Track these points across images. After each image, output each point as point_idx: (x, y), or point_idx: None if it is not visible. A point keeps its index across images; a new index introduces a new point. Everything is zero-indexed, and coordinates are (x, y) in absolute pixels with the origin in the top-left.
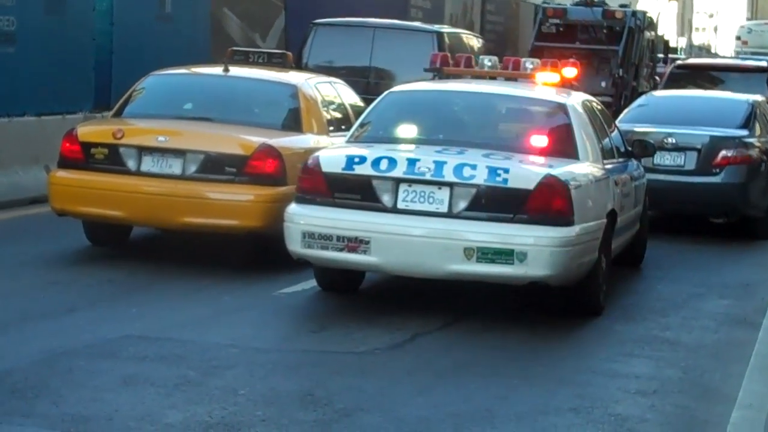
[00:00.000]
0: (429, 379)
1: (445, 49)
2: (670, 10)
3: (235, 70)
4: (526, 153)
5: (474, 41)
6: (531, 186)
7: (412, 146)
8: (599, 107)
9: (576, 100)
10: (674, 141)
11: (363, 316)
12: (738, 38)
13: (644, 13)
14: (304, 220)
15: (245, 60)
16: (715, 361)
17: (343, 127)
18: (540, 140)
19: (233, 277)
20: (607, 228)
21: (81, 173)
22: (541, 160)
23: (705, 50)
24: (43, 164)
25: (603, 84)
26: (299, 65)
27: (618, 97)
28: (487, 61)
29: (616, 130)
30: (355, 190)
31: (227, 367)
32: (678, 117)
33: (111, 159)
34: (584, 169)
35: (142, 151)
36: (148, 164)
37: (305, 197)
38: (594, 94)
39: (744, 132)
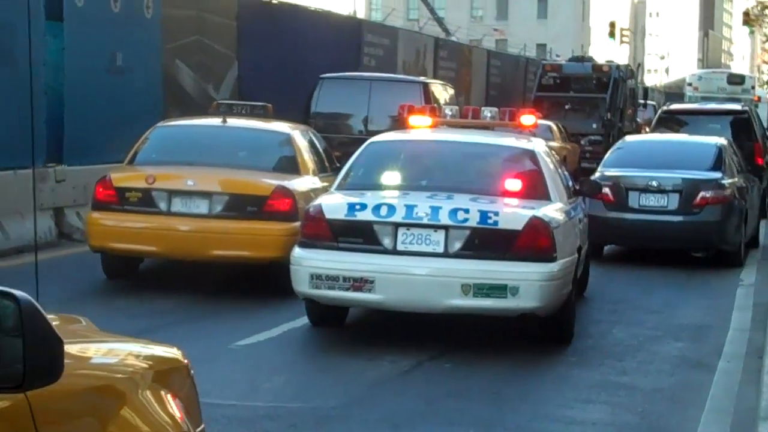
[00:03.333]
0: None
1: (429, 97)
2: (621, 53)
3: (232, 121)
4: (506, 196)
5: (447, 91)
6: (519, 227)
7: (400, 192)
8: (553, 151)
9: (540, 146)
10: (657, 184)
11: (318, 369)
12: (689, 84)
13: (627, 65)
14: (311, 263)
15: (229, 111)
16: (672, 405)
17: (323, 168)
18: (516, 184)
19: (188, 328)
20: (577, 262)
21: (116, 214)
22: (523, 202)
23: (657, 92)
24: None
25: (594, 125)
26: (307, 113)
27: (607, 136)
28: (449, 110)
29: (566, 171)
30: (357, 234)
31: None
32: (654, 160)
33: (144, 201)
34: (558, 209)
35: (172, 194)
36: (178, 205)
37: (309, 242)
38: (587, 134)
39: (718, 174)
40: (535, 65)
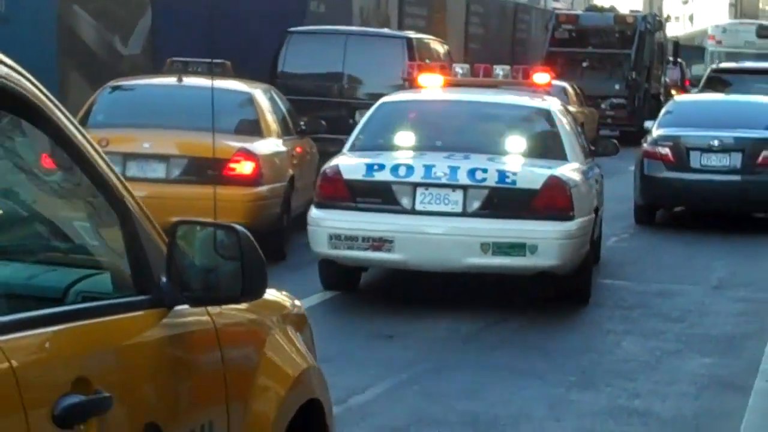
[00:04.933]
0: None
1: (414, 54)
2: None
3: (188, 80)
4: (523, 156)
5: (439, 47)
6: (537, 186)
7: (416, 153)
8: (570, 111)
9: (556, 105)
10: (719, 143)
11: None
12: (712, 37)
13: (654, 15)
14: (330, 223)
15: (184, 70)
16: None
17: (287, 131)
18: (533, 144)
19: None
20: (594, 222)
21: None
22: (540, 162)
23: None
24: None
25: (617, 87)
26: (273, 73)
27: (632, 99)
28: (459, 69)
29: (581, 132)
30: (375, 194)
31: None
32: (711, 120)
33: None
34: (575, 169)
35: (127, 157)
36: (134, 170)
37: (326, 202)
38: (608, 97)
39: None
40: (526, 12)
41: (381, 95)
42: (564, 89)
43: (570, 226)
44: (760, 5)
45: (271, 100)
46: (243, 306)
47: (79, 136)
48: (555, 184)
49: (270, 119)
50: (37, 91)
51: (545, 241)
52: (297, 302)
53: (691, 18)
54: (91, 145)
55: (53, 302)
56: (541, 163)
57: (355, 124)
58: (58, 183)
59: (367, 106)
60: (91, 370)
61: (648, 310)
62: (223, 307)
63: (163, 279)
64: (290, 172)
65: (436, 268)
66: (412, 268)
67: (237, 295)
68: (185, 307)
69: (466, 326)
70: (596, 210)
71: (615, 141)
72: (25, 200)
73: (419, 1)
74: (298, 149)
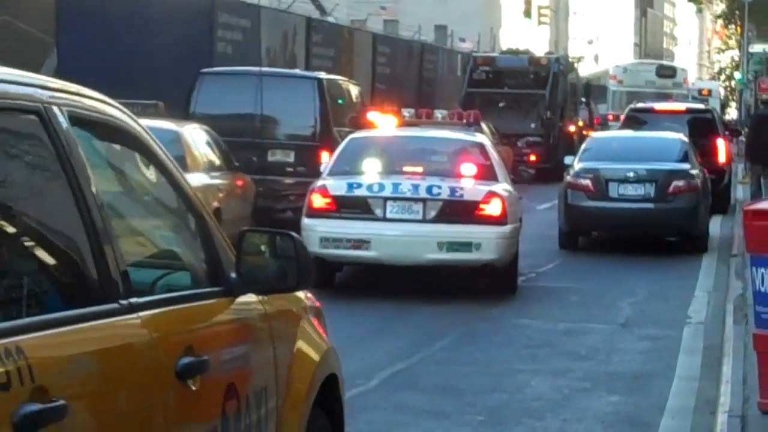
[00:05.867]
0: None
1: (325, 94)
2: (539, 36)
3: None
4: (466, 177)
5: (352, 88)
6: (479, 198)
7: (385, 175)
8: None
9: (486, 140)
10: (635, 174)
11: None
12: (613, 77)
13: (566, 57)
14: (321, 228)
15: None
16: None
17: (218, 166)
18: (473, 168)
19: None
20: (520, 228)
21: None
22: (479, 181)
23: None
24: None
25: (533, 125)
26: (187, 113)
27: (547, 137)
28: (406, 112)
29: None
30: (355, 206)
31: None
32: (626, 154)
33: None
34: (505, 187)
35: None
36: None
37: (316, 213)
38: (524, 135)
39: (687, 165)
40: (433, 52)
41: (293, 135)
42: (479, 128)
43: (504, 229)
44: (664, 44)
45: (203, 138)
46: (280, 299)
47: (170, 164)
48: (493, 197)
49: (196, 155)
50: (138, 128)
51: (486, 240)
52: (309, 295)
53: (596, 58)
54: (178, 171)
55: (143, 294)
56: (481, 182)
57: (269, 163)
58: (149, 200)
59: (280, 147)
60: (194, 340)
61: (556, 348)
62: (268, 298)
63: (232, 274)
64: (215, 204)
65: (403, 263)
66: (384, 263)
67: (294, 284)
68: (248, 296)
69: (374, 367)
70: (521, 219)
71: (531, 171)
72: (122, 214)
73: (326, 41)
74: (228, 184)
